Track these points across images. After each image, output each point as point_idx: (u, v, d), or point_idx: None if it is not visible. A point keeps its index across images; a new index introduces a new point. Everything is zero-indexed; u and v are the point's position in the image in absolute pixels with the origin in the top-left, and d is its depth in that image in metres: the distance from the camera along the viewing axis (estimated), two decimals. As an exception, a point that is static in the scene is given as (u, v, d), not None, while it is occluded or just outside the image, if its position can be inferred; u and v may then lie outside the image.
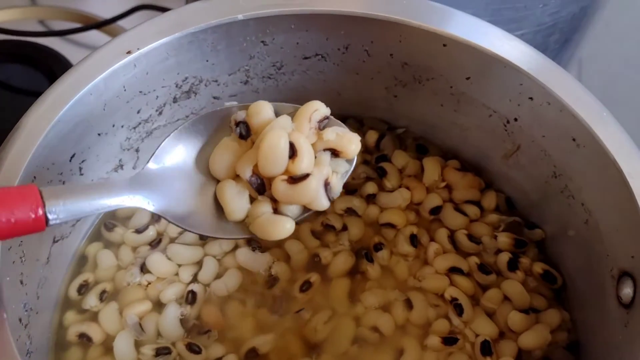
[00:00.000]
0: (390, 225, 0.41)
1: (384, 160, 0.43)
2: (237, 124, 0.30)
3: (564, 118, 0.34)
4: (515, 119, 0.38)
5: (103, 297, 0.37)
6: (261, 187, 0.29)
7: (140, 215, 0.40)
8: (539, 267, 0.39)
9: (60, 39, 0.64)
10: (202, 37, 0.36)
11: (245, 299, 0.38)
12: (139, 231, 0.40)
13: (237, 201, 0.29)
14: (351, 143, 0.30)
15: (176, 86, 0.38)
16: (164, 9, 0.64)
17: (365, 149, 0.44)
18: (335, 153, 0.30)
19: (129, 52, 0.34)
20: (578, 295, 0.38)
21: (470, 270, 0.39)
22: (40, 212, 0.25)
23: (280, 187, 0.28)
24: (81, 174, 0.36)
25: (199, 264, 0.39)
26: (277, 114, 0.31)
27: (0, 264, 0.28)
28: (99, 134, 0.36)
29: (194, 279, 0.38)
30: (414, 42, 0.38)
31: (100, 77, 0.33)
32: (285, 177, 0.28)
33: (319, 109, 0.30)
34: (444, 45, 0.37)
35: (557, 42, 0.48)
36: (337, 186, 0.30)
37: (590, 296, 0.36)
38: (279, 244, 0.40)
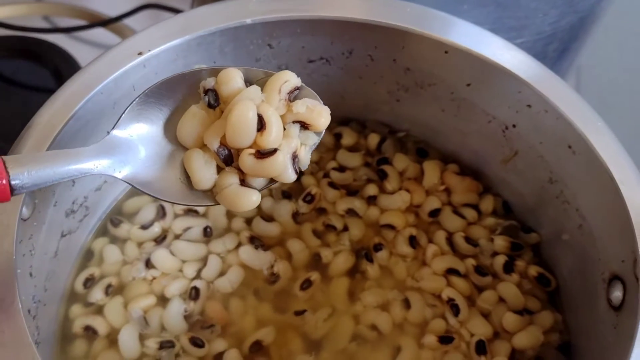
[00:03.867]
0: (390, 227, 0.42)
1: (385, 163, 0.44)
2: (206, 92, 0.30)
3: (560, 126, 0.35)
4: (514, 125, 0.39)
5: (108, 291, 0.38)
6: (229, 158, 0.29)
7: (145, 212, 0.41)
8: (533, 270, 0.40)
9: (65, 36, 0.65)
10: (210, 39, 0.37)
11: (248, 295, 0.39)
12: (144, 227, 0.40)
13: (204, 171, 0.29)
14: (321, 116, 0.29)
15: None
16: (169, 8, 0.65)
17: (366, 152, 0.45)
18: (304, 125, 0.29)
19: (140, 54, 0.35)
20: (571, 298, 0.39)
21: (467, 272, 0.40)
22: (4, 181, 0.24)
23: (247, 161, 0.28)
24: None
25: (203, 260, 0.40)
26: (248, 80, 0.30)
27: (15, 256, 0.29)
28: (107, 132, 0.37)
29: (198, 275, 0.39)
30: (416, 48, 0.39)
31: (111, 77, 0.34)
32: (252, 151, 0.28)
33: (289, 79, 0.29)
34: (446, 52, 0.38)
35: (555, 51, 0.49)
36: (305, 158, 0.30)
37: (582, 299, 0.37)
38: (281, 242, 0.41)
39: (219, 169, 0.30)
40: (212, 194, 0.30)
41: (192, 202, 0.30)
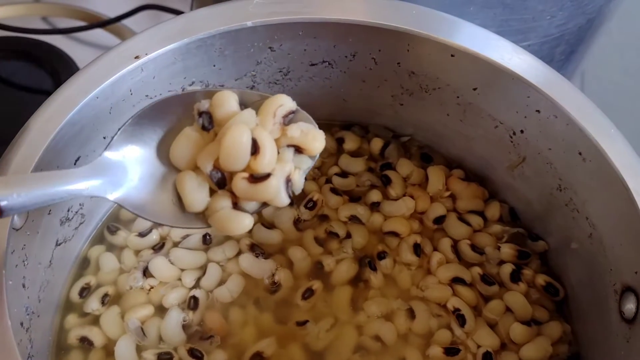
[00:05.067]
0: (394, 234, 0.41)
1: (389, 168, 0.43)
2: (200, 114, 0.30)
3: (570, 132, 0.34)
4: (522, 131, 0.38)
5: (105, 300, 0.37)
6: (222, 181, 0.29)
7: (143, 219, 0.40)
8: (541, 279, 0.39)
9: (63, 37, 0.64)
10: (210, 42, 0.36)
11: (248, 305, 0.38)
12: (142, 235, 0.39)
13: (196, 193, 0.29)
14: (315, 140, 0.29)
15: (182, 90, 0.38)
16: (168, 9, 0.64)
17: (369, 157, 0.44)
18: (298, 149, 0.29)
19: (137, 57, 0.34)
20: (580, 308, 0.38)
21: (473, 281, 0.39)
22: None
23: (240, 185, 0.28)
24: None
25: (202, 268, 0.39)
26: (243, 102, 0.30)
27: (4, 269, 0.28)
28: (104, 137, 0.36)
29: (197, 284, 0.38)
30: (421, 51, 0.38)
31: (108, 81, 0.33)
32: (246, 174, 0.28)
33: (284, 104, 0.29)
34: (452, 55, 0.37)
35: (562, 54, 0.48)
36: (299, 182, 0.30)
37: (592, 309, 0.36)
38: (282, 250, 0.40)
39: (212, 192, 0.29)
40: (204, 217, 0.29)
41: (184, 225, 0.30)
